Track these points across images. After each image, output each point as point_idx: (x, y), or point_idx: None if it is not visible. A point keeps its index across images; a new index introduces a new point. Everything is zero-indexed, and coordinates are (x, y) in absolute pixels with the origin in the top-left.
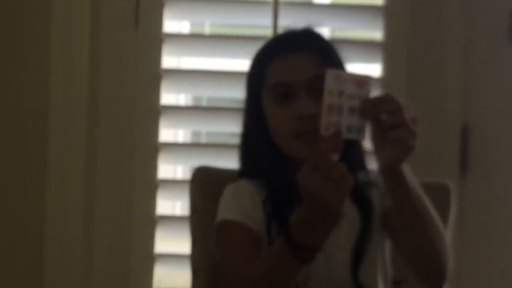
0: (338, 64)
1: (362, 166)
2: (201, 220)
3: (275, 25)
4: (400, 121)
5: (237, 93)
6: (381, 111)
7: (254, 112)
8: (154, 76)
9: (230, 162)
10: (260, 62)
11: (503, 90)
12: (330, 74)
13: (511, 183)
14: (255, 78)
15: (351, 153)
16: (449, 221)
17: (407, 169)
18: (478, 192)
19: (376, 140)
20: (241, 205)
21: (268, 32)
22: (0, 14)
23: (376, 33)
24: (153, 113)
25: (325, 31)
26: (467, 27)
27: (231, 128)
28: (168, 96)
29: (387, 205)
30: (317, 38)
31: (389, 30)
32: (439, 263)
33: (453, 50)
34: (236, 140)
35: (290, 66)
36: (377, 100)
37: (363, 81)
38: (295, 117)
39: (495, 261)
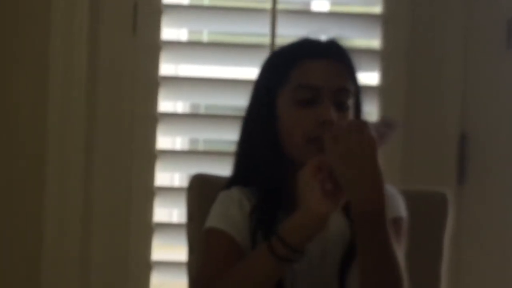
0: (356, 82)
1: None
2: (198, 228)
3: (273, 33)
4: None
5: (235, 100)
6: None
7: (263, 115)
8: (152, 83)
9: (228, 170)
10: (283, 63)
11: (501, 99)
12: None
13: (509, 191)
14: (273, 78)
15: None
16: (446, 229)
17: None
18: (476, 200)
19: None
20: (228, 214)
21: (266, 40)
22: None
23: (374, 42)
24: (151, 120)
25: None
26: (465, 35)
27: (229, 136)
28: (166, 104)
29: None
30: (345, 50)
31: (387, 38)
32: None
33: (452, 58)
34: (234, 148)
35: (321, 70)
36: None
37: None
38: (316, 121)
39: (493, 268)
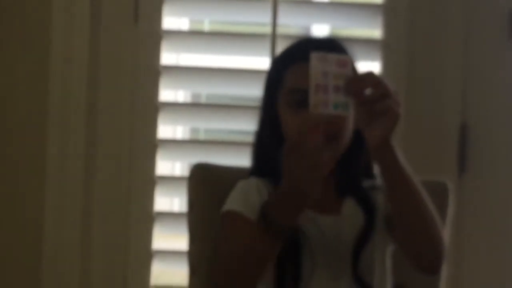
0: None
1: (369, 173)
2: (199, 217)
3: (274, 23)
4: (384, 92)
5: (236, 90)
6: (365, 86)
7: (269, 112)
8: (153, 72)
9: (229, 159)
10: (279, 65)
11: (502, 89)
12: (314, 57)
13: (509, 182)
14: (273, 80)
15: (357, 159)
16: (447, 219)
17: (398, 150)
18: (476, 190)
19: (363, 119)
20: (247, 199)
21: (267, 30)
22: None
23: (375, 31)
24: (152, 109)
25: (325, 29)
26: (466, 25)
27: (230, 125)
28: (167, 93)
29: (389, 209)
30: (338, 48)
31: (388, 28)
32: (434, 244)
33: (452, 48)
34: (234, 137)
35: (307, 73)
36: (360, 77)
37: (345, 60)
38: (305, 124)
39: (494, 259)
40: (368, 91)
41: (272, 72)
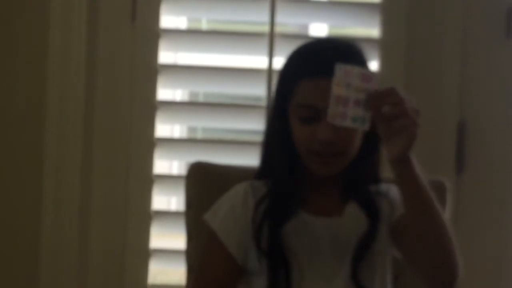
0: None
1: (376, 178)
2: (197, 216)
3: (272, 22)
4: (402, 111)
5: (234, 89)
6: (385, 103)
7: (279, 117)
8: (151, 71)
9: (226, 157)
10: (293, 74)
11: (500, 88)
12: (340, 68)
13: (507, 180)
14: (285, 89)
15: (365, 164)
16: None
17: (416, 163)
18: (474, 189)
19: (383, 132)
20: (229, 223)
21: (265, 29)
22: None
23: (373, 30)
24: (150, 108)
25: (323, 28)
26: (464, 24)
27: (228, 124)
28: (165, 92)
29: (396, 216)
30: (351, 60)
31: (386, 27)
32: (450, 259)
33: (450, 47)
34: (232, 136)
35: (318, 91)
36: (381, 93)
37: (369, 76)
38: (314, 138)
39: (491, 258)
40: (387, 107)
41: (284, 79)
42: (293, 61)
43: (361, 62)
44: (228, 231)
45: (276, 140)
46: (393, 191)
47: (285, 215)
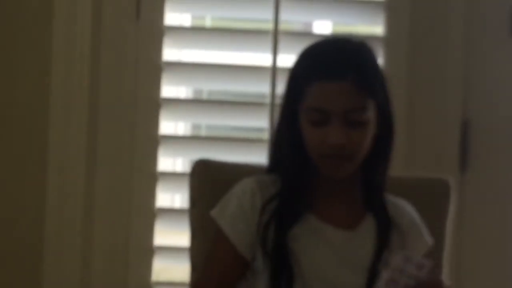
0: (380, 93)
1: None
2: (201, 213)
3: (276, 19)
4: None
5: (238, 86)
6: None
7: (289, 116)
8: (155, 68)
9: (230, 155)
10: (304, 76)
11: (504, 85)
12: (400, 257)
13: (511, 178)
14: (296, 89)
15: (377, 170)
16: (449, 216)
17: None
18: (478, 187)
19: None
20: (236, 222)
21: (269, 26)
22: (2, 5)
23: (377, 28)
24: (154, 105)
25: (327, 26)
26: (468, 21)
27: (231, 121)
28: (169, 89)
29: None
30: (364, 65)
31: (390, 24)
32: None
33: (454, 45)
34: (236, 134)
35: (329, 94)
36: (428, 285)
37: (424, 264)
38: (324, 142)
39: (495, 256)
40: None
41: (295, 81)
42: (304, 62)
43: (373, 64)
44: (235, 229)
45: (286, 140)
46: (407, 216)
47: (293, 218)
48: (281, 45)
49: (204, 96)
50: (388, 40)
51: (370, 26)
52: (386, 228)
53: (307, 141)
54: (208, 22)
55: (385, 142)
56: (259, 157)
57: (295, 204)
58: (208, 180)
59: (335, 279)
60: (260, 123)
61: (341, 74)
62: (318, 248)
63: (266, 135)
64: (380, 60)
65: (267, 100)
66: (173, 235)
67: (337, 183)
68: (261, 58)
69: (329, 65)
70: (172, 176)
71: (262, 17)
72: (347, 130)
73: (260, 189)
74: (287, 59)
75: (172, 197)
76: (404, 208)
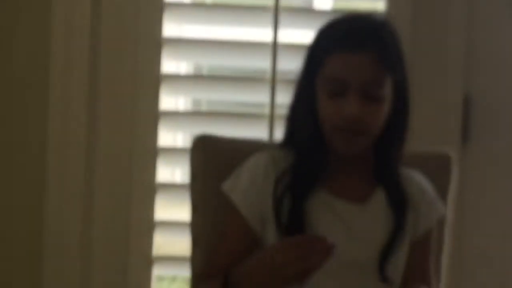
0: (399, 72)
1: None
2: (202, 188)
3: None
4: None
5: (238, 62)
6: None
7: (306, 89)
8: (155, 44)
9: (230, 130)
10: (323, 47)
11: (506, 60)
12: None
13: None
14: (314, 60)
15: (392, 146)
16: (450, 189)
17: None
18: (479, 161)
19: None
20: (250, 196)
21: (270, 1)
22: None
23: (379, 3)
24: (154, 81)
25: (328, 2)
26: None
27: (232, 97)
28: (169, 65)
29: (419, 233)
30: (386, 41)
31: (392, 1)
32: None
33: (456, 20)
34: (236, 109)
35: (349, 65)
36: None
37: None
38: (340, 113)
39: (496, 229)
40: None
41: (314, 52)
42: (325, 34)
43: (395, 42)
44: (248, 204)
45: (302, 114)
46: (421, 188)
47: (307, 190)
48: (282, 20)
49: (205, 72)
50: (390, 16)
51: (372, 1)
52: (401, 205)
53: (322, 113)
54: None
55: (399, 121)
56: (260, 132)
57: (310, 177)
58: (208, 155)
59: (347, 253)
60: (261, 98)
61: (363, 47)
62: (329, 222)
63: (266, 110)
64: None
65: (268, 76)
66: (174, 210)
67: (348, 160)
68: (262, 33)
69: (352, 36)
70: (172, 151)
71: None
72: (363, 104)
73: (274, 162)
74: (288, 35)
75: (172, 172)
76: (413, 178)
